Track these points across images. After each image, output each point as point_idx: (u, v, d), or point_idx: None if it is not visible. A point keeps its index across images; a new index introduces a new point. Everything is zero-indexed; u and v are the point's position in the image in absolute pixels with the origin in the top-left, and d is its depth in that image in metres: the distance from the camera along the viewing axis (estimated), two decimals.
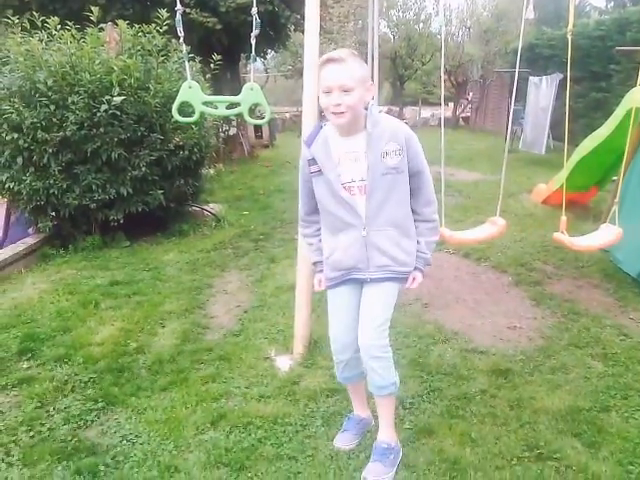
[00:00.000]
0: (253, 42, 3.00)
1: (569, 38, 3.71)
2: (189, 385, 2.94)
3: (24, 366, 3.16)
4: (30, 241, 5.23)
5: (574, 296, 4.11)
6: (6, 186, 5.09)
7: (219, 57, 6.24)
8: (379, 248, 2.18)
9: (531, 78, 11.06)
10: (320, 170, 2.17)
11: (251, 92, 2.98)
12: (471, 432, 2.51)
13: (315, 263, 2.43)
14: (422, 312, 3.83)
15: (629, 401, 2.76)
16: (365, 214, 2.16)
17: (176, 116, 3.05)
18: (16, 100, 4.93)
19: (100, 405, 2.77)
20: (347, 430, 2.51)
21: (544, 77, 10.67)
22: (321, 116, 2.43)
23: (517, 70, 4.20)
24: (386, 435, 2.35)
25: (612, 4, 24.37)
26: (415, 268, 2.29)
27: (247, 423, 2.59)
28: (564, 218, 3.87)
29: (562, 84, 9.80)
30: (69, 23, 5.27)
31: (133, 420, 2.66)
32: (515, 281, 4.45)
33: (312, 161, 2.18)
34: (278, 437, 2.50)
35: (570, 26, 3.69)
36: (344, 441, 2.46)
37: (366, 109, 2.13)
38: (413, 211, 2.25)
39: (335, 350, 2.39)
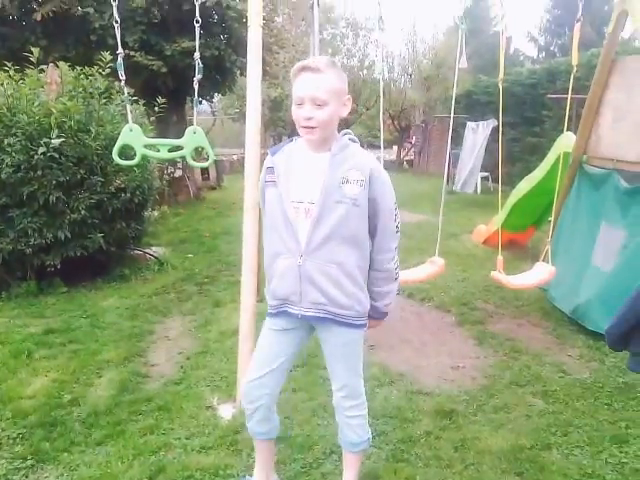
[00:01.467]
0: (196, 86, 3.03)
1: (500, 86, 3.92)
2: (126, 438, 2.81)
3: None
4: None
5: (515, 334, 4.20)
6: None
7: (163, 100, 6.22)
8: (314, 282, 1.98)
9: (468, 123, 11.54)
10: (274, 181, 2.01)
11: (194, 135, 3.00)
12: (416, 476, 2.49)
13: None
14: (368, 354, 3.79)
15: (569, 438, 2.82)
16: (306, 241, 1.96)
17: (116, 159, 3.02)
18: None
19: (29, 463, 2.61)
20: None
21: (480, 122, 11.15)
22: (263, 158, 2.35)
23: (452, 116, 4.40)
24: None
25: (543, 54, 26.00)
26: (369, 316, 2.13)
27: (187, 476, 2.49)
28: (500, 258, 4.01)
29: (497, 129, 10.26)
30: (8, 64, 5.16)
31: (65, 477, 2.52)
32: (458, 321, 4.53)
33: (270, 169, 2.04)
34: None
35: (501, 74, 3.90)
36: None
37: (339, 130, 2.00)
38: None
39: (244, 393, 2.22)
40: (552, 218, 4.87)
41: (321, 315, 2.02)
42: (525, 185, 6.04)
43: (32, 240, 4.91)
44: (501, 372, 3.58)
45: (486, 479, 2.48)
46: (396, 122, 19.27)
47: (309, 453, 2.66)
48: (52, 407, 3.10)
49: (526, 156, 11.53)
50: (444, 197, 4.25)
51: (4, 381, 3.41)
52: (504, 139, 4.14)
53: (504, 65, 3.81)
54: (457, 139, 11.32)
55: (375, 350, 3.89)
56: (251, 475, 2.40)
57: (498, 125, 9.18)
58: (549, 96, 10.37)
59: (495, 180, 11.63)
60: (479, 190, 11.49)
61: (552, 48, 25.78)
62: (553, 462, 2.61)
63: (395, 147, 20.19)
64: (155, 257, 6.31)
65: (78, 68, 5.56)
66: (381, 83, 4.20)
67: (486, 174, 12.04)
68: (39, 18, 8.57)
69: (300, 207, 1.98)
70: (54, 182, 4.91)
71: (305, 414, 2.97)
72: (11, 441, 2.79)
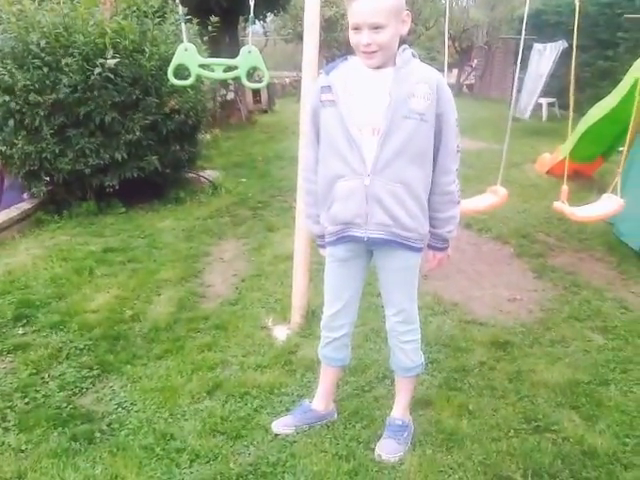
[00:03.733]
0: (252, 3, 2.92)
1: (577, 3, 3.59)
2: (185, 354, 2.91)
3: (19, 332, 3.12)
4: (24, 206, 5.15)
5: (576, 269, 4.07)
6: None
7: (217, 19, 6.07)
8: (381, 202, 1.91)
9: (535, 45, 10.82)
10: (334, 100, 1.92)
11: (249, 55, 2.91)
12: (469, 404, 2.49)
13: (318, 237, 2.22)
14: (421, 283, 3.70)
15: (628, 375, 2.74)
16: (373, 160, 1.88)
17: (172, 79, 2.98)
18: (9, 62, 4.79)
19: (95, 372, 2.75)
20: (291, 414, 2.38)
21: (548, 44, 10.44)
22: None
23: (523, 37, 4.09)
24: (401, 412, 2.29)
25: None
26: (430, 246, 2.12)
27: (243, 393, 2.56)
28: (565, 187, 3.82)
29: (567, 52, 9.62)
30: None
31: (128, 388, 2.64)
32: (517, 253, 4.41)
33: (327, 89, 1.94)
34: (274, 407, 2.48)
35: None
36: (281, 425, 2.32)
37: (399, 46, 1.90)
38: None
39: (324, 325, 2.28)
40: (624, 148, 4.57)
41: (386, 237, 1.97)
42: (596, 112, 5.65)
43: (90, 160, 5.02)
44: (560, 306, 3.49)
45: (540, 411, 2.45)
46: (457, 43, 18.32)
47: (361, 376, 2.69)
48: (115, 322, 3.23)
49: (597, 81, 10.80)
50: (510, 123, 4.03)
51: (69, 295, 3.57)
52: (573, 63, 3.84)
53: None
54: (523, 62, 10.72)
55: (429, 279, 3.83)
56: (309, 399, 2.44)
57: (568, 48, 8.55)
58: (627, 16, 9.57)
59: (562, 106, 11.01)
60: (544, 117, 10.90)
61: None
62: (610, 398, 2.54)
63: (455, 70, 19.28)
64: (209, 180, 6.36)
65: None
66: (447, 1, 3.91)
67: (552, 100, 11.39)
68: None
69: (364, 125, 1.89)
70: (110, 102, 4.95)
71: (358, 339, 2.98)
72: (78, 352, 2.94)
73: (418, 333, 2.21)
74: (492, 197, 4.02)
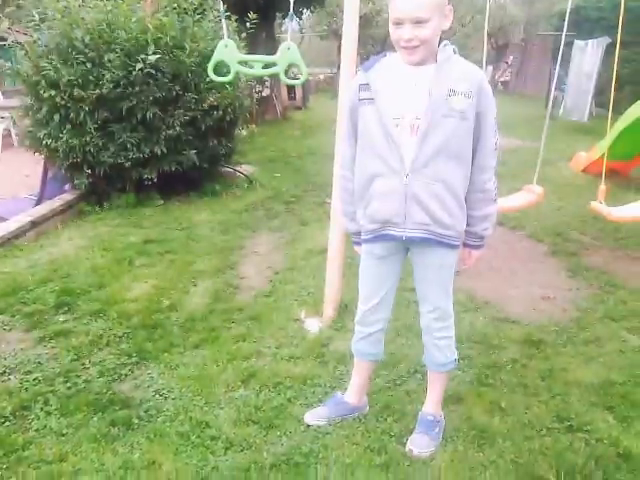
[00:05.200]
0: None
1: None
2: (220, 343, 2.98)
3: (61, 319, 3.23)
4: (67, 197, 5.32)
5: (612, 268, 4.01)
6: (44, 142, 5.15)
7: (255, 16, 6.12)
8: (420, 201, 1.89)
9: (576, 42, 10.61)
10: (372, 98, 1.90)
11: (288, 52, 2.91)
12: (501, 401, 2.49)
13: (354, 234, 2.23)
14: (454, 280, 3.77)
15: None
16: (412, 159, 1.86)
17: (212, 75, 3.02)
18: (54, 57, 4.94)
19: (134, 360, 2.82)
20: (323, 406, 2.41)
21: (590, 41, 10.22)
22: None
23: (564, 33, 4.04)
24: (433, 408, 2.30)
25: None
26: (466, 244, 2.12)
27: (277, 383, 2.61)
28: (603, 187, 3.78)
29: (609, 49, 9.39)
30: None
31: (166, 375, 2.70)
32: (551, 251, 4.37)
33: (365, 87, 1.92)
34: (307, 397, 2.52)
35: None
36: (314, 416, 2.35)
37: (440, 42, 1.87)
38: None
39: (359, 320, 2.29)
40: None
41: (425, 236, 1.96)
42: (635, 110, 5.54)
43: (131, 154, 5.14)
44: (594, 305, 3.45)
45: (573, 410, 2.43)
46: (493, 40, 18.08)
47: (393, 370, 2.72)
48: (152, 311, 3.32)
49: (637, 79, 10.54)
50: (547, 121, 3.99)
51: (109, 285, 3.68)
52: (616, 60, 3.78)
53: None
54: (562, 59, 10.52)
55: (461, 276, 3.75)
56: (342, 391, 2.47)
57: (610, 44, 8.37)
58: None
59: (599, 104, 10.78)
60: (586, 117, 10.65)
61: None
62: None
63: (490, 67, 19.03)
64: (245, 175, 6.45)
65: None
66: None
67: None
68: None
69: (402, 123, 1.87)
70: (151, 98, 5.06)
71: (390, 334, 2.99)
72: (117, 339, 3.02)
73: (452, 330, 2.22)
74: (528, 195, 4.00)
